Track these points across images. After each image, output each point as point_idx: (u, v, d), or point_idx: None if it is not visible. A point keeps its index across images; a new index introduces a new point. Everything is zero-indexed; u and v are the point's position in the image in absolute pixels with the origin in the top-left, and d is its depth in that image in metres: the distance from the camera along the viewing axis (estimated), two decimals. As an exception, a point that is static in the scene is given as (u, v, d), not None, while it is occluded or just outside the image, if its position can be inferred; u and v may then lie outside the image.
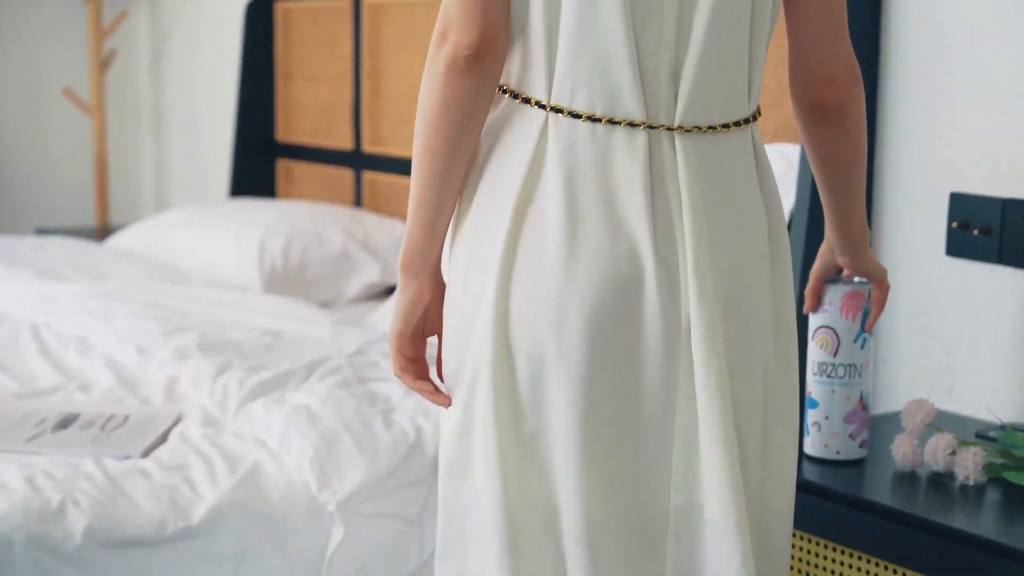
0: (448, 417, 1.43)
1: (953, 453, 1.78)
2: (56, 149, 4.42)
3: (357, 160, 3.51)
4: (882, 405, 2.22)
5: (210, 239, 3.18)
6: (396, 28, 3.33)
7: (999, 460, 1.78)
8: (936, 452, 1.78)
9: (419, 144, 1.40)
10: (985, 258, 2.05)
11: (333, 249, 3.06)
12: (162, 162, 4.54)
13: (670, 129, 1.39)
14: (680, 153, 1.39)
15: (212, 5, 4.17)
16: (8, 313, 2.67)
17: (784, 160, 2.29)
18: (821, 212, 2.06)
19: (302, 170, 3.75)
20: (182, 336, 2.33)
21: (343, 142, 3.56)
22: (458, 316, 1.40)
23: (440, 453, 1.44)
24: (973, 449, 1.76)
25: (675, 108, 1.40)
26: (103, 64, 4.29)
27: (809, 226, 2.13)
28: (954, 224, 2.08)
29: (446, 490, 1.43)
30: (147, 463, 1.84)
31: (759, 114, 1.48)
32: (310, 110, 3.69)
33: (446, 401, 1.42)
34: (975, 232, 2.05)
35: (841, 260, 1.72)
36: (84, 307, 2.57)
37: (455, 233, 1.43)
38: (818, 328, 1.85)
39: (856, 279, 1.85)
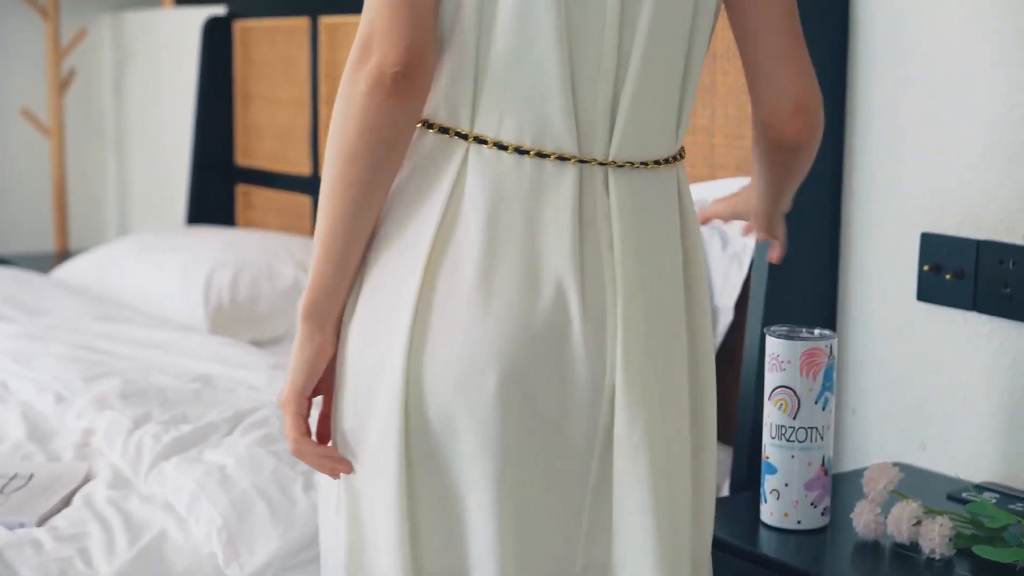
0: (345, 484, 1.28)
1: (918, 523, 1.63)
2: (13, 172, 4.28)
3: (315, 186, 3.36)
4: (850, 460, 2.06)
5: (156, 272, 3.03)
6: (354, 49, 3.19)
7: (969, 531, 1.63)
8: (899, 522, 1.63)
9: (335, 174, 1.23)
10: (958, 304, 1.89)
11: (284, 282, 2.92)
12: (125, 185, 4.39)
13: (603, 164, 1.26)
14: (614, 191, 1.27)
15: (173, 22, 4.02)
16: (-70, 354, 2.52)
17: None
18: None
19: (262, 195, 3.60)
20: (104, 383, 2.18)
21: (301, 167, 3.41)
22: (362, 368, 1.25)
23: (331, 527, 1.30)
24: (940, 520, 1.61)
25: (610, 141, 1.27)
26: (62, 84, 4.15)
27: (770, 270, 1.98)
28: (925, 267, 1.93)
29: (350, 567, 1.28)
30: (41, 532, 1.69)
31: (684, 152, 1.36)
32: (269, 133, 3.55)
33: (347, 467, 1.27)
34: (947, 276, 1.90)
35: (757, 224, 1.61)
36: (8, 349, 2.42)
37: (361, 276, 1.27)
38: (776, 388, 1.69)
39: (817, 332, 1.71)
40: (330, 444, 1.30)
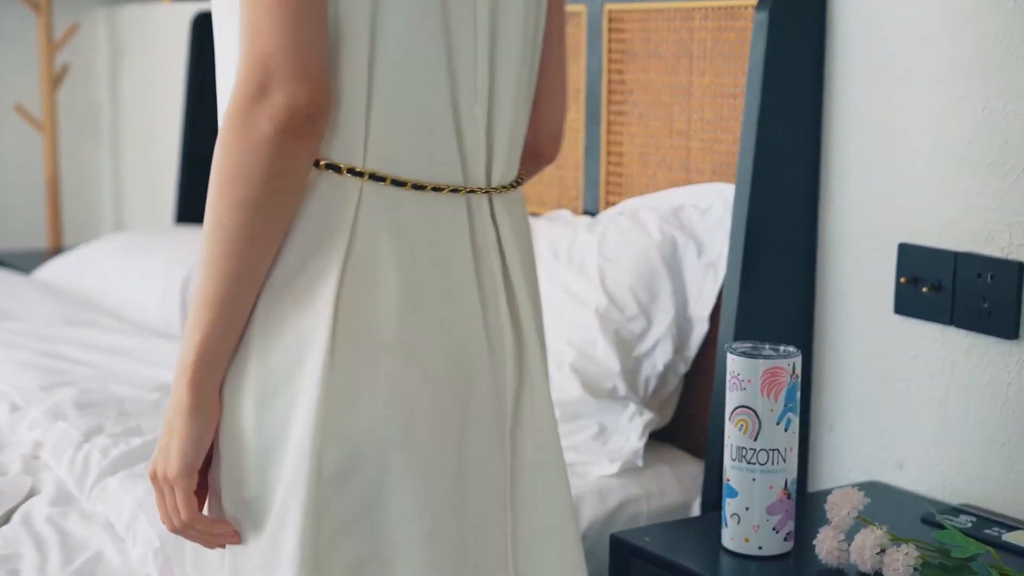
0: (239, 558, 1.19)
1: (882, 551, 1.55)
2: (6, 168, 4.23)
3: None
4: (828, 479, 1.99)
5: (135, 273, 2.97)
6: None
7: (936, 559, 1.55)
8: (863, 550, 1.55)
9: (233, 228, 1.10)
10: (936, 318, 1.81)
11: (264, 284, 2.85)
12: (119, 182, 4.34)
13: (487, 191, 1.23)
14: (500, 217, 1.24)
15: (167, 17, 3.96)
16: None
17: (722, 200, 2.07)
18: (754, 258, 1.86)
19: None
20: (61, 392, 2.12)
21: (288, 166, 3.34)
22: (258, 432, 1.14)
23: None
24: (905, 548, 1.53)
25: (490, 168, 1.23)
26: (55, 78, 4.10)
27: (743, 271, 1.90)
28: (903, 279, 1.85)
29: None
30: (-27, 555, 1.63)
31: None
32: (257, 131, 3.48)
33: (237, 537, 1.19)
34: (925, 289, 1.82)
35: None
36: (-28, 355, 2.37)
37: (248, 333, 1.15)
38: (736, 408, 1.62)
39: (781, 349, 1.63)
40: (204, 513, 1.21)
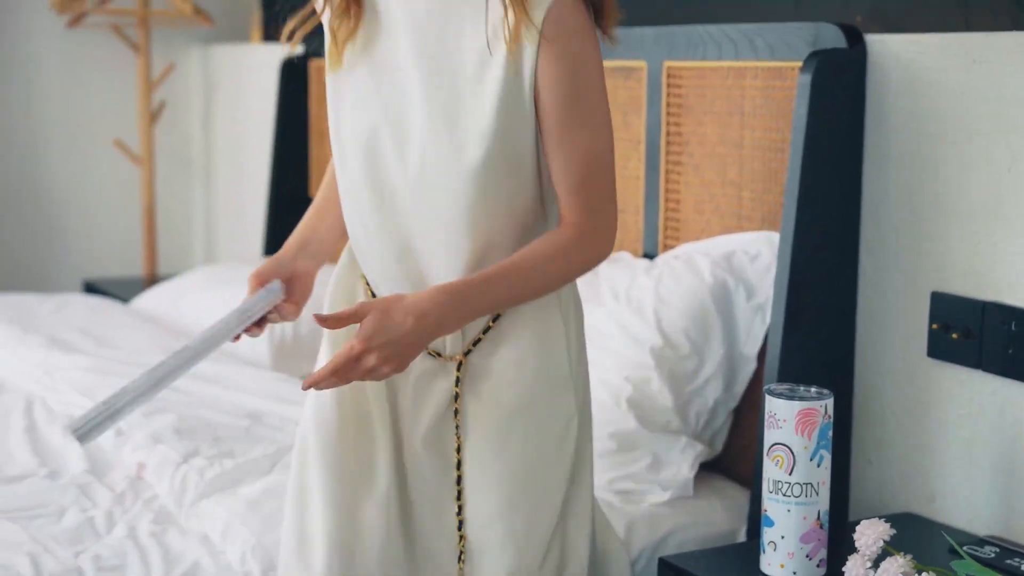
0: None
1: (906, 579, 1.69)
2: (106, 199, 4.48)
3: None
4: (867, 509, 2.13)
5: (224, 303, 3.16)
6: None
7: (956, 588, 1.69)
8: (887, 578, 1.69)
9: (528, 288, 1.64)
10: (965, 362, 1.95)
11: (346, 316, 3.04)
12: (211, 213, 4.58)
13: None
14: None
15: (255, 59, 4.19)
16: (10, 383, 2.70)
17: (770, 247, 2.22)
18: (797, 302, 2.00)
19: (333, 228, 3.75)
20: (160, 418, 2.32)
21: (370, 202, 3.54)
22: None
23: None
24: (926, 576, 1.67)
25: None
26: (153, 115, 4.34)
27: (787, 315, 2.05)
28: (935, 325, 1.99)
29: None
30: (85, 562, 1.83)
31: None
32: (341, 168, 3.68)
33: None
34: (954, 335, 1.95)
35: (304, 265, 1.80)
36: (77, 381, 2.58)
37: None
38: (773, 445, 1.77)
39: (814, 391, 1.78)
40: None
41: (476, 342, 1.72)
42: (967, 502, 1.97)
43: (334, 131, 1.72)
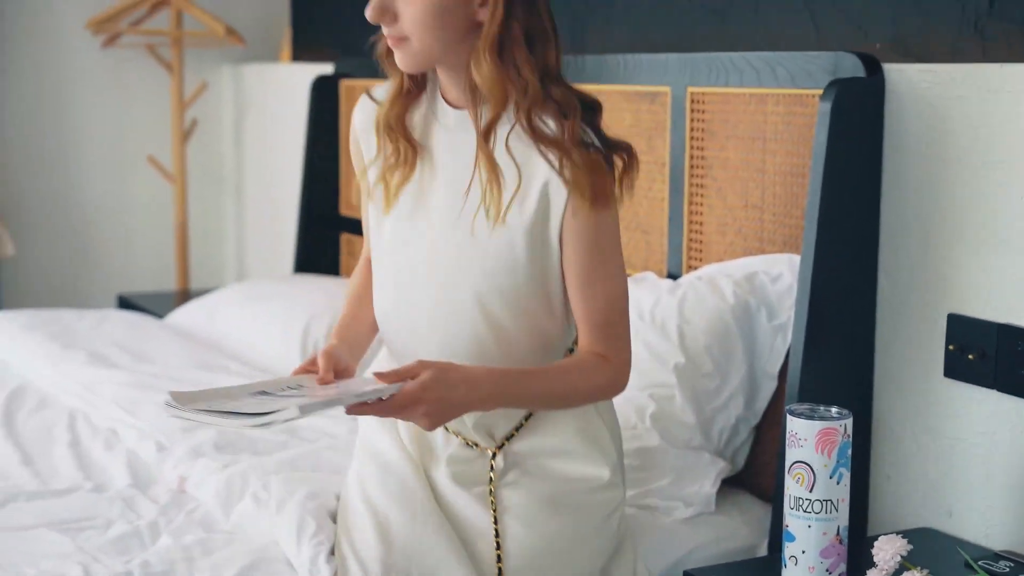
0: None
1: (921, 592, 1.76)
2: (140, 216, 4.58)
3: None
4: (886, 524, 2.19)
5: (257, 320, 3.26)
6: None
7: (970, 601, 1.75)
8: (904, 592, 1.76)
9: (555, 394, 1.83)
10: (981, 382, 2.02)
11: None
12: (242, 230, 4.67)
13: None
14: None
15: (285, 78, 4.28)
16: (52, 398, 2.79)
17: (791, 269, 2.29)
18: (818, 323, 2.06)
19: (362, 244, 3.83)
20: (200, 432, 2.40)
21: (399, 220, 3.62)
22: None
23: None
24: (941, 590, 1.74)
25: None
26: (185, 133, 4.44)
27: (808, 335, 2.11)
28: (951, 347, 2.05)
29: None
30: (134, 568, 1.90)
31: None
32: (370, 186, 3.76)
33: None
34: (970, 356, 2.02)
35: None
36: (117, 396, 2.67)
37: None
38: (794, 463, 1.84)
39: (834, 411, 1.84)
40: None
41: (510, 436, 1.91)
42: (983, 518, 2.03)
43: (373, 248, 1.95)
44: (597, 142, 1.79)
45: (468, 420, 1.89)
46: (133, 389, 2.71)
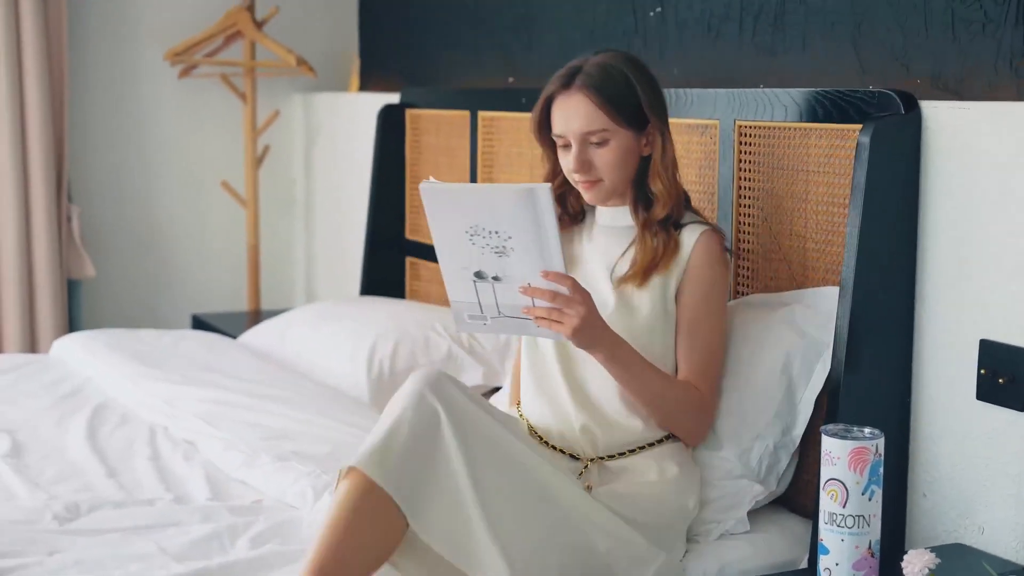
0: None
1: (949, 604, 1.86)
2: (213, 239, 4.76)
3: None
4: (922, 539, 2.29)
5: (326, 340, 3.41)
6: (508, 141, 3.53)
7: (995, 612, 1.85)
8: (931, 602, 1.86)
9: (653, 390, 2.22)
10: (1011, 405, 2.11)
11: (439, 353, 3.25)
12: (311, 254, 4.84)
13: None
14: None
15: (355, 107, 4.45)
16: (133, 414, 2.96)
17: (831, 297, 2.39)
18: (857, 349, 2.17)
19: (427, 268, 3.97)
20: (278, 444, 2.57)
21: (461, 244, 3.75)
22: None
23: None
24: (967, 602, 1.84)
25: None
26: (258, 159, 4.61)
27: (847, 361, 2.22)
28: (983, 371, 2.15)
29: None
30: (214, 566, 2.05)
31: None
32: (434, 212, 3.91)
33: None
34: (1001, 380, 2.12)
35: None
36: (200, 411, 2.83)
37: None
38: (828, 480, 1.95)
39: (867, 431, 1.95)
40: None
41: (611, 456, 2.23)
42: (1013, 534, 2.13)
43: None
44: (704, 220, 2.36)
45: (576, 424, 2.23)
46: (214, 405, 2.88)
